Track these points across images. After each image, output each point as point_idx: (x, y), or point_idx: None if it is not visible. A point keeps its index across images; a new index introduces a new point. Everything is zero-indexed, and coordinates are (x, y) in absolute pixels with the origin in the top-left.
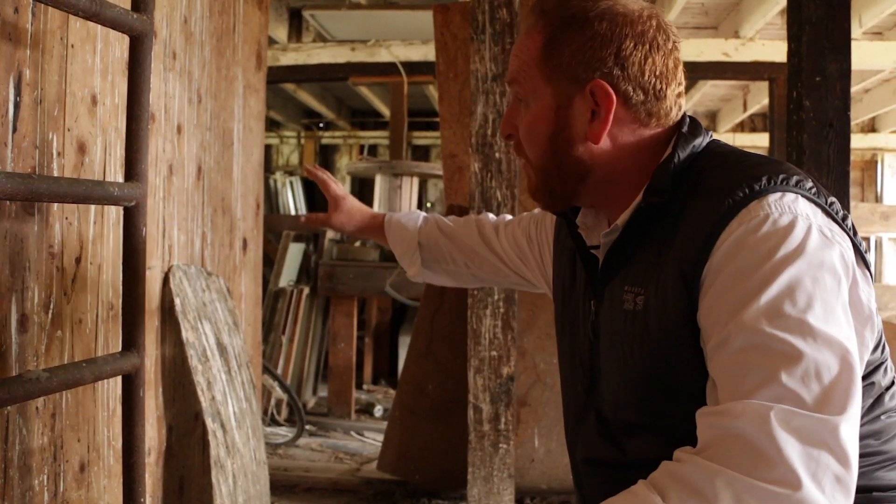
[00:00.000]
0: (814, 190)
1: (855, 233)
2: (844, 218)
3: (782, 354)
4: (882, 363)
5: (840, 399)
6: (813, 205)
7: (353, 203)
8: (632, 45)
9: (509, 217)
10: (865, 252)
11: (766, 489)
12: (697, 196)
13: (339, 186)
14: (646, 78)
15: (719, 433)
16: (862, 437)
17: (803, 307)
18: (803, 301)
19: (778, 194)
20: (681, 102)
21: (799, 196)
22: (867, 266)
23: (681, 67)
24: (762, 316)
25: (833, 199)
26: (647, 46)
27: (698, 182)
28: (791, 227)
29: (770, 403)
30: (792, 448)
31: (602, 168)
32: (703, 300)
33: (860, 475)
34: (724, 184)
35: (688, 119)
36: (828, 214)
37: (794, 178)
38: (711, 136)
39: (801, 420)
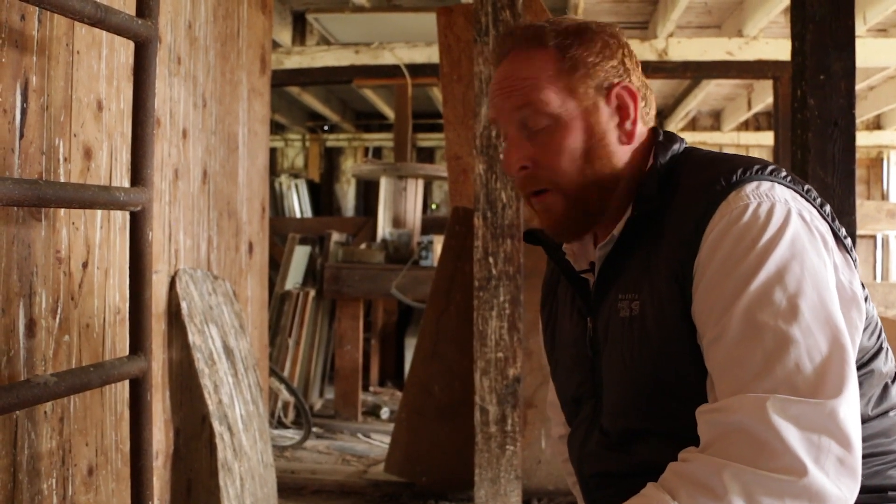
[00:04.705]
0: (789, 178)
1: (833, 218)
2: (822, 204)
3: (775, 344)
4: (880, 350)
5: (835, 381)
6: (790, 191)
7: None
8: (628, 53)
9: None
10: (844, 238)
11: (773, 478)
12: (679, 198)
13: None
14: (641, 83)
15: (720, 430)
16: (872, 437)
17: (794, 291)
18: (793, 285)
19: (754, 183)
20: (652, 114)
21: (775, 183)
22: (848, 251)
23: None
24: (753, 306)
25: (809, 186)
26: (635, 57)
27: (679, 185)
28: (771, 212)
29: (766, 395)
30: (792, 435)
31: (625, 172)
32: (696, 295)
33: (873, 475)
34: (702, 181)
35: (660, 129)
36: (806, 200)
37: (769, 168)
38: (685, 142)
39: (798, 407)
